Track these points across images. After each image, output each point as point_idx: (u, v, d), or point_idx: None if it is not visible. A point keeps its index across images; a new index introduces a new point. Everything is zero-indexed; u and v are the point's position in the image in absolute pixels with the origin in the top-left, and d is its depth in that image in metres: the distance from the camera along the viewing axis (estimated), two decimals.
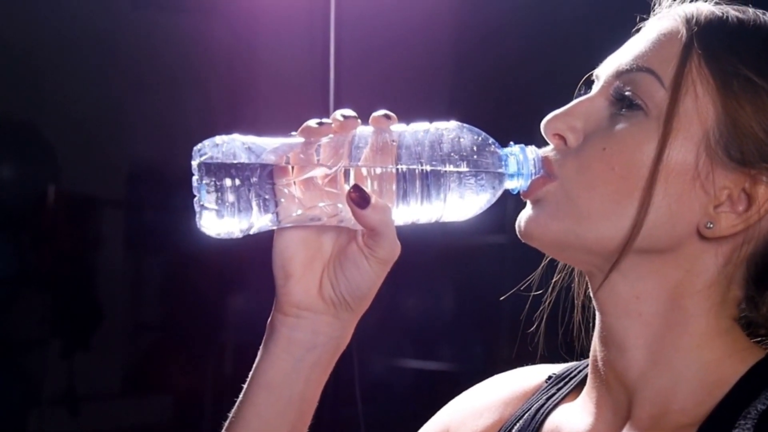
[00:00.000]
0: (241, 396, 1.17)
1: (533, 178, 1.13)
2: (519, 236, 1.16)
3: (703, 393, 1.11)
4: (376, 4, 3.03)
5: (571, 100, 1.18)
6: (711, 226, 1.08)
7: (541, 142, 1.16)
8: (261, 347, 1.16)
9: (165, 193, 3.23)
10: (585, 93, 1.17)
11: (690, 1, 1.15)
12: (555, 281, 1.28)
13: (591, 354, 1.21)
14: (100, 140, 3.14)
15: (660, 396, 1.13)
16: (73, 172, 3.13)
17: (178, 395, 3.24)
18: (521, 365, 1.37)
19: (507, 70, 3.11)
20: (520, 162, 1.12)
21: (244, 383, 1.16)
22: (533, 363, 1.36)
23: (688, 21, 1.11)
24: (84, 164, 3.14)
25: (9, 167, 3.10)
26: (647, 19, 1.18)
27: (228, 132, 1.09)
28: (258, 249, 3.17)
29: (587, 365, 1.27)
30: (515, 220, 1.15)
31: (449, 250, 3.15)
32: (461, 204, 1.11)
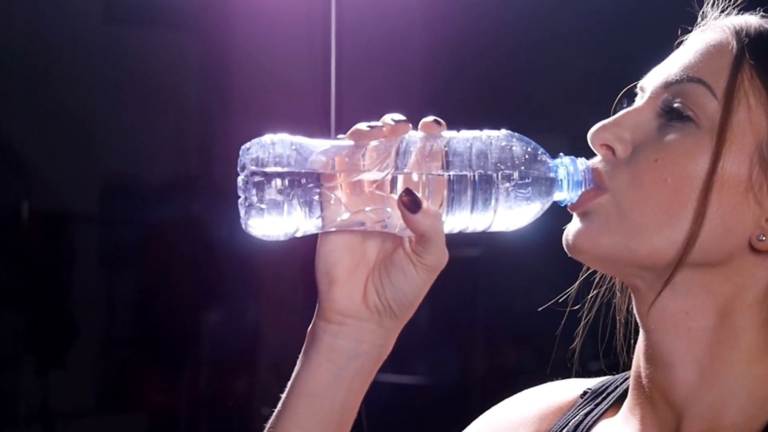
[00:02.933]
0: (279, 405, 1.15)
1: (583, 189, 1.13)
2: (566, 250, 1.15)
3: (754, 408, 1.10)
4: (378, 11, 3.03)
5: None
6: (764, 238, 1.09)
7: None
8: (301, 355, 1.15)
9: (139, 208, 3.21)
10: (627, 105, 1.17)
11: (736, 14, 1.16)
12: (592, 296, 1.28)
13: (633, 369, 1.20)
14: (74, 156, 3.11)
15: (710, 412, 1.12)
16: (47, 188, 3.10)
17: (152, 412, 3.21)
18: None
19: (511, 73, 3.12)
20: (570, 173, 1.12)
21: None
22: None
23: (737, 33, 1.11)
24: (57, 180, 3.11)
25: None
26: (685, 32, 1.18)
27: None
28: (232, 265, 3.14)
29: (624, 380, 1.26)
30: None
31: None
32: (511, 214, 1.10)
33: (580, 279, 1.27)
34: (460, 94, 3.13)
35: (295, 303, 3.21)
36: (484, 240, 3.13)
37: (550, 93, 3.09)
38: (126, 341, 3.29)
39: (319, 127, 2.81)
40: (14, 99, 3.05)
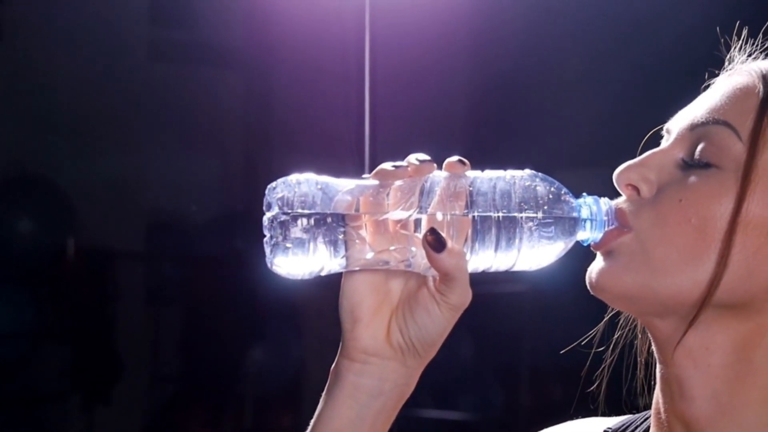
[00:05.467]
0: None
1: (607, 229, 1.12)
2: (589, 288, 1.14)
3: None
4: (412, 50, 3.04)
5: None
6: None
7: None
8: (324, 394, 1.15)
9: (183, 245, 3.24)
10: (653, 147, 1.17)
11: (763, 59, 1.16)
12: (617, 337, 1.27)
13: (653, 407, 1.19)
14: (119, 193, 3.14)
15: None
16: (92, 225, 3.13)
17: None
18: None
19: (539, 113, 3.12)
20: (594, 213, 1.12)
21: None
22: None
23: (764, 77, 1.11)
24: (102, 217, 3.14)
25: (28, 221, 3.09)
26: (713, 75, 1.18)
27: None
28: (277, 302, 3.14)
29: (645, 419, 1.26)
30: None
31: None
32: (534, 253, 1.09)
33: (605, 320, 1.26)
34: (489, 132, 3.14)
35: (339, 339, 3.21)
36: (529, 276, 3.12)
37: (578, 133, 3.09)
38: (171, 377, 3.31)
39: (353, 163, 2.82)
40: (60, 137, 3.09)
